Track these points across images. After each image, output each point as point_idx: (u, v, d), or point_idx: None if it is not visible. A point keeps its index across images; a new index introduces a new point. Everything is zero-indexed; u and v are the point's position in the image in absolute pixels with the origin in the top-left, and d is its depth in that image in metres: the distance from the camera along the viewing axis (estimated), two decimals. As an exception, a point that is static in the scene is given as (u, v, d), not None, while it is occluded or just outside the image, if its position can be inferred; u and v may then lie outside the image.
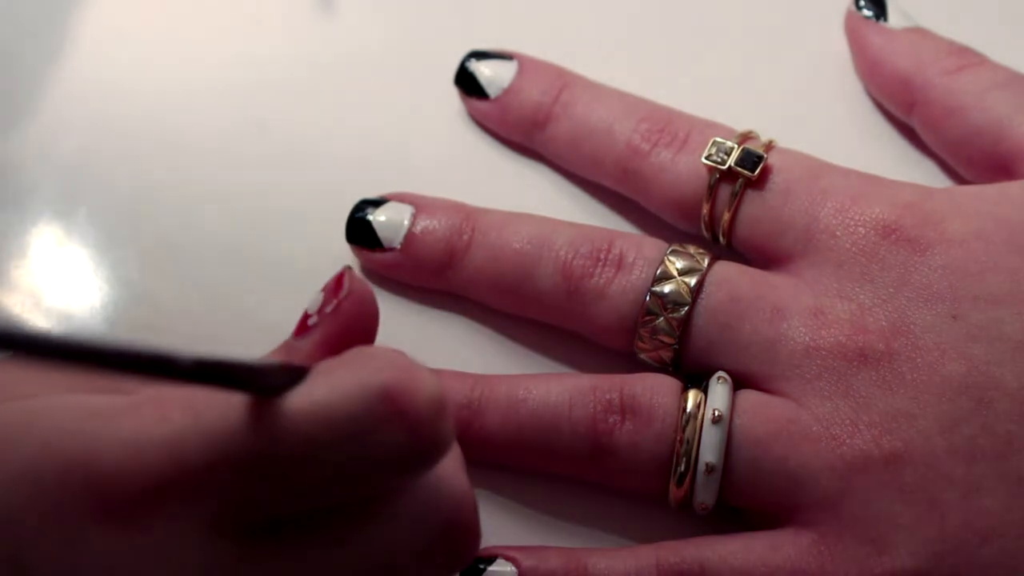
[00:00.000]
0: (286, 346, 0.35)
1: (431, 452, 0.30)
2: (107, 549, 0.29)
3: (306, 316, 0.35)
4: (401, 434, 0.29)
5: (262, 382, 0.29)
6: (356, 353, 0.30)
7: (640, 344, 0.39)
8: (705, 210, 0.40)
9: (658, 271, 0.39)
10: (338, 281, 0.35)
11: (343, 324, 0.35)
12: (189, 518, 0.29)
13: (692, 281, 0.39)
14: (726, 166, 0.40)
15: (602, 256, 0.40)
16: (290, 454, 0.29)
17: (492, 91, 0.45)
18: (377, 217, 0.42)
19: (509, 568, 0.38)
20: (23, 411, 0.31)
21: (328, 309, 0.35)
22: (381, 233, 0.42)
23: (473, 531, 0.33)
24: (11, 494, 0.29)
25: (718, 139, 0.41)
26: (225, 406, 0.29)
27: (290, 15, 0.48)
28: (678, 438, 0.37)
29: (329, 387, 0.29)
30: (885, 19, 0.44)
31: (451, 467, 0.32)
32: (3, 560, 0.29)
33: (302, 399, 0.29)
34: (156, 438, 0.29)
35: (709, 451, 0.37)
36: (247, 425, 0.29)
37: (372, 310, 0.35)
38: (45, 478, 0.29)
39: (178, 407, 0.30)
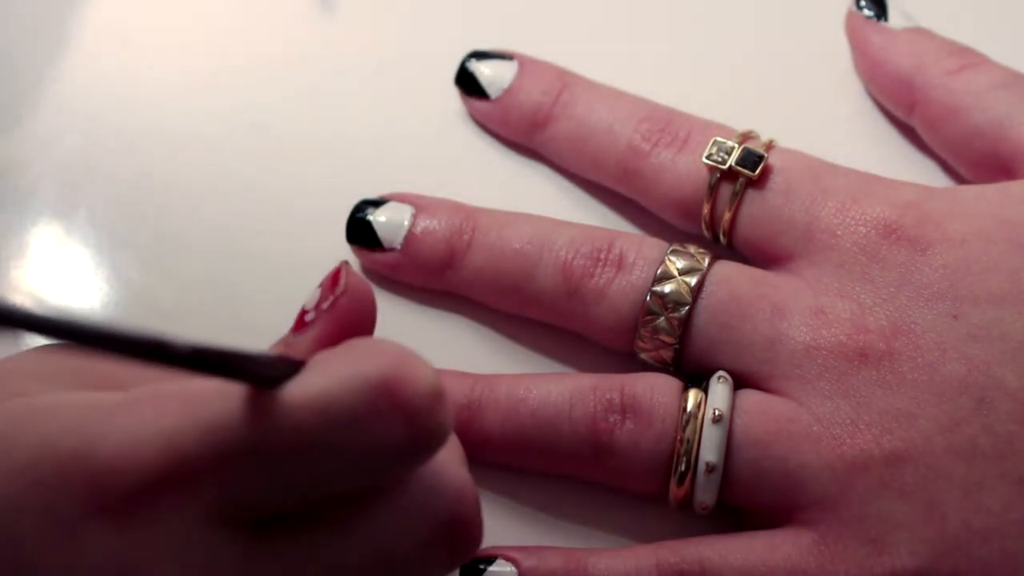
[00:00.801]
0: (284, 342, 0.35)
1: (428, 442, 0.30)
2: (107, 544, 0.29)
3: (303, 312, 0.35)
4: (398, 424, 0.29)
5: (259, 372, 0.29)
6: (352, 344, 0.30)
7: (641, 344, 0.39)
8: (706, 210, 0.40)
9: (658, 271, 0.39)
10: (334, 277, 0.35)
11: (340, 320, 0.34)
12: (188, 512, 0.29)
13: (693, 281, 0.39)
14: (727, 166, 0.40)
15: (602, 256, 0.40)
16: (287, 445, 0.29)
17: (492, 91, 0.45)
18: (377, 217, 0.42)
19: (509, 568, 0.38)
20: (21, 408, 0.31)
21: (325, 305, 0.35)
22: (381, 233, 0.42)
23: (474, 523, 0.33)
24: (9, 490, 0.29)
25: (719, 139, 0.41)
26: (222, 398, 0.29)
27: (290, 15, 0.48)
28: (678, 438, 0.37)
29: (326, 378, 0.29)
30: (886, 19, 0.44)
31: (451, 459, 0.32)
32: (3, 556, 0.29)
33: (299, 390, 0.29)
34: (153, 432, 0.29)
35: (709, 450, 0.37)
36: (244, 417, 0.29)
37: (369, 305, 0.35)
38: (43, 474, 0.29)
39: (175, 401, 0.30)
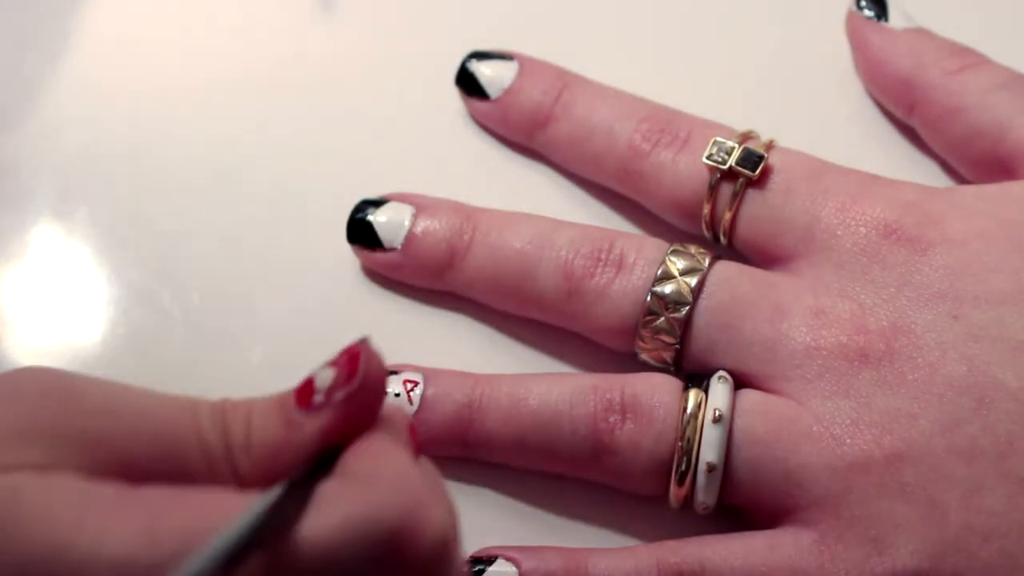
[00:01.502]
0: (286, 413, 0.32)
1: None
2: None
3: (311, 386, 0.31)
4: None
5: (272, 528, 0.28)
6: (371, 477, 0.29)
7: (641, 344, 0.39)
8: (706, 210, 0.40)
9: (659, 271, 0.39)
10: (352, 363, 0.31)
11: (351, 412, 0.31)
12: None
13: (693, 281, 0.39)
14: (727, 166, 0.40)
15: (603, 256, 0.40)
16: None
17: (493, 91, 0.45)
18: (378, 217, 0.42)
19: (510, 568, 0.38)
20: (8, 496, 0.28)
21: (338, 396, 0.31)
22: (382, 233, 0.42)
23: None
24: None
25: (719, 139, 0.41)
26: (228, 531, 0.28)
27: (290, 15, 0.48)
28: (679, 437, 0.37)
29: (337, 520, 0.28)
30: (886, 19, 0.44)
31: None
32: None
33: (309, 531, 0.28)
34: (142, 563, 0.27)
35: (710, 450, 0.37)
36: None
37: (381, 391, 0.32)
38: None
39: (171, 529, 0.28)
